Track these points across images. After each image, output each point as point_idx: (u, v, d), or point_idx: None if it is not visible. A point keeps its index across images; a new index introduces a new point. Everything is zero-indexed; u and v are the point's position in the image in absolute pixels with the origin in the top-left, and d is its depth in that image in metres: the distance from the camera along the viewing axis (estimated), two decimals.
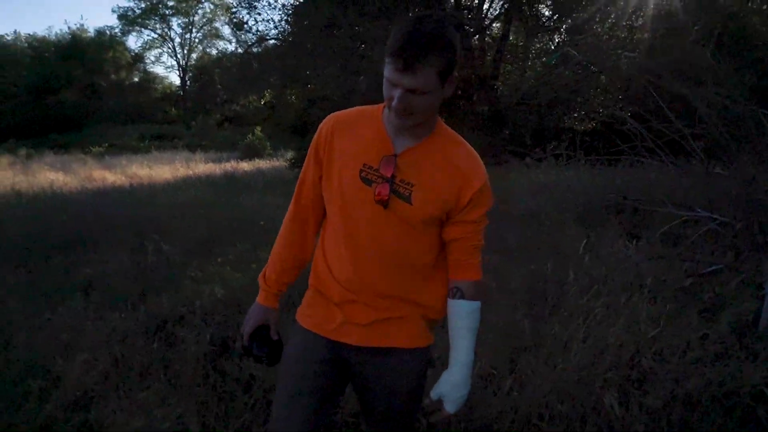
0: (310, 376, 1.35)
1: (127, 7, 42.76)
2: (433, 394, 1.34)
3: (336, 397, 1.45)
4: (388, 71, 1.12)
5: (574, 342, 2.43)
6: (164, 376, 2.59)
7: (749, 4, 8.07)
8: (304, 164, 1.38)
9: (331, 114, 1.34)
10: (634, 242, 3.87)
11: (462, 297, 1.32)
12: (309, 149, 1.35)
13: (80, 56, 36.68)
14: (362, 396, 1.44)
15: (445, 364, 1.36)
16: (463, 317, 1.32)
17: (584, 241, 3.38)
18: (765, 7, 8.20)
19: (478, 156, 1.30)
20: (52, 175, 11.84)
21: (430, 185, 1.25)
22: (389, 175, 1.24)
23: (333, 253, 1.34)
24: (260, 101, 22.14)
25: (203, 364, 2.71)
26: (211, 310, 3.28)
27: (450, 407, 1.32)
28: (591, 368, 2.27)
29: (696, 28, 4.32)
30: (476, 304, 1.33)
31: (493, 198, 1.33)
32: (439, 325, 1.43)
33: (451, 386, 1.31)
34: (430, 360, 1.50)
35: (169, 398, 2.39)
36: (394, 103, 1.13)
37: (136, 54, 43.12)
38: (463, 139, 1.32)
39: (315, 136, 1.34)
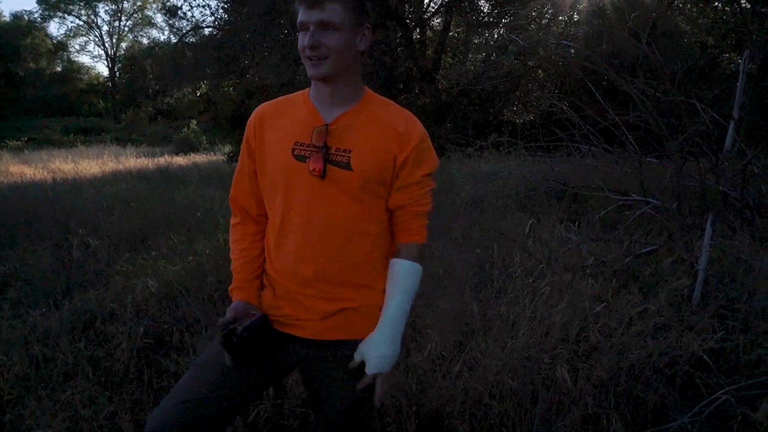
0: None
1: None
2: (356, 355, 1.23)
3: (262, 386, 1.37)
4: (299, 16, 1.15)
5: (522, 321, 2.43)
6: (93, 375, 2.39)
7: (674, 5, 8.57)
8: (239, 162, 1.34)
9: (258, 107, 1.31)
10: (575, 225, 3.97)
11: (399, 256, 1.27)
12: (242, 146, 1.32)
13: None
14: (312, 391, 1.35)
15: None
16: (398, 275, 1.26)
17: (529, 223, 3.42)
18: (689, 6, 8.74)
19: (413, 115, 1.26)
20: None
21: (368, 148, 1.20)
22: (321, 144, 1.19)
23: (276, 249, 1.27)
24: (195, 93, 21.33)
25: (136, 360, 2.53)
26: (145, 305, 3.07)
27: (369, 367, 1.20)
28: (539, 345, 2.28)
29: (626, 24, 4.49)
30: (414, 266, 1.27)
31: (437, 160, 1.28)
32: None
33: (371, 343, 1.22)
34: None
35: (99, 397, 2.20)
36: (306, 41, 1.13)
37: (59, 42, 40.17)
38: (394, 102, 1.29)
39: (245, 132, 1.30)
